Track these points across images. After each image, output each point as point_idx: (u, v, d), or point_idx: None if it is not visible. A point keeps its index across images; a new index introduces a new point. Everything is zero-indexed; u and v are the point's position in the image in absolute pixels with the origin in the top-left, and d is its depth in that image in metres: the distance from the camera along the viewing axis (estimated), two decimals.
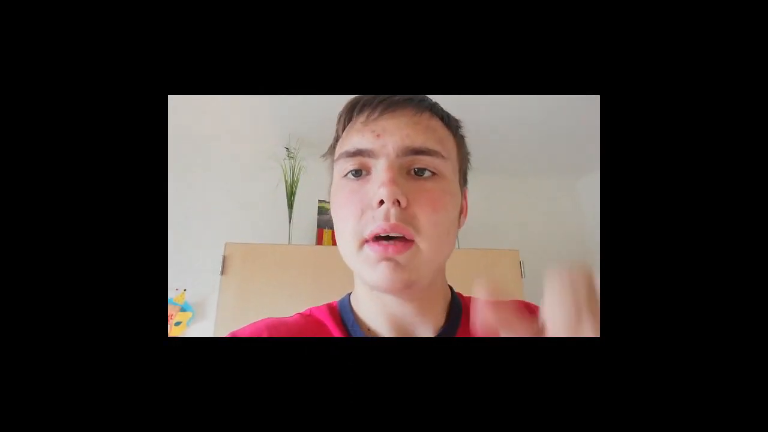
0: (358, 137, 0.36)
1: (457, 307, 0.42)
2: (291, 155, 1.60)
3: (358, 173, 0.36)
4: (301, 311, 0.43)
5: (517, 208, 2.04)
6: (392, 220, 0.32)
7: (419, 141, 0.35)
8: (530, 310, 0.45)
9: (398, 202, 0.33)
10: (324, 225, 1.58)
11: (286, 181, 1.56)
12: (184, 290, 1.52)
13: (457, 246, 1.64)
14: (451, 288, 0.44)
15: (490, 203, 1.99)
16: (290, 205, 1.54)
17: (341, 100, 0.40)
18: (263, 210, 1.70)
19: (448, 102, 0.42)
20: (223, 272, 1.20)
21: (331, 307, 0.42)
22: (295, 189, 1.56)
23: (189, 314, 1.50)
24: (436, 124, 0.38)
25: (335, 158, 0.38)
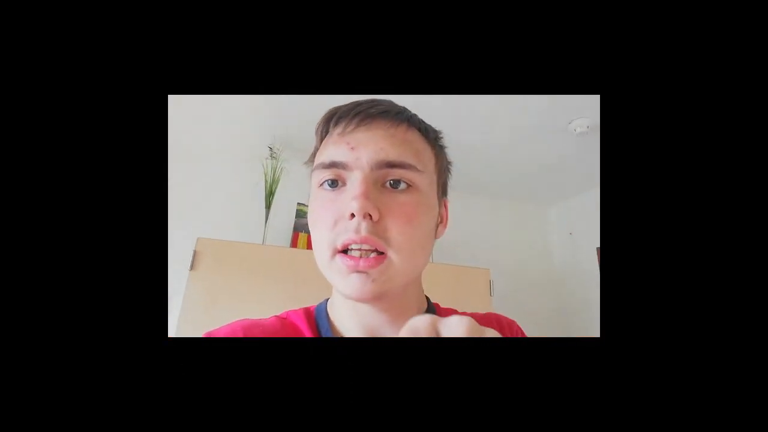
0: (333, 149, 0.36)
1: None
2: (274, 155, 1.58)
3: (333, 184, 0.36)
4: (266, 315, 0.43)
5: (492, 230, 2.10)
6: (363, 233, 0.33)
7: (394, 154, 0.35)
8: (500, 324, 0.47)
9: (369, 215, 0.33)
10: (300, 228, 1.57)
11: (266, 181, 1.54)
12: None
13: (431, 260, 1.66)
14: (427, 298, 0.45)
15: (468, 222, 2.04)
16: (268, 206, 1.51)
17: (329, 105, 0.41)
18: (240, 209, 1.67)
19: (439, 127, 0.44)
20: (192, 267, 1.17)
21: (307, 312, 0.43)
22: (275, 189, 1.54)
23: None
24: (413, 136, 0.38)
25: (313, 168, 0.39)
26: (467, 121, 1.55)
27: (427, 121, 0.42)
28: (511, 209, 2.21)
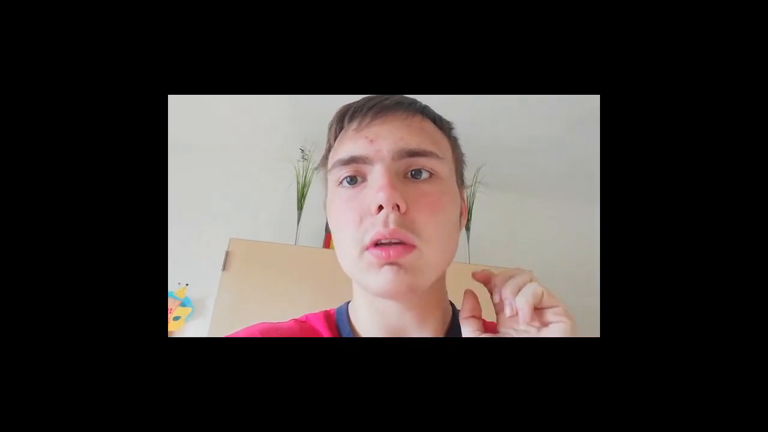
0: (351, 144, 0.35)
1: (458, 322, 0.39)
2: (305, 157, 1.59)
3: (353, 180, 0.35)
4: (297, 316, 0.42)
5: (535, 229, 1.98)
6: (391, 226, 0.32)
7: (414, 143, 0.34)
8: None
9: (397, 206, 0.32)
10: None
11: (298, 183, 1.55)
12: (186, 285, 1.50)
13: (468, 262, 1.59)
14: (452, 304, 0.43)
15: (508, 221, 1.93)
16: (300, 207, 1.52)
17: None
18: (273, 210, 1.68)
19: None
20: (224, 268, 1.18)
21: (327, 315, 0.42)
22: (307, 191, 1.55)
23: (188, 310, 1.47)
24: (429, 125, 0.38)
25: (329, 168, 0.38)
26: (508, 118, 1.46)
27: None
28: (556, 207, 2.06)
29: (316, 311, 0.43)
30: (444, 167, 0.36)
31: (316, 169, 0.42)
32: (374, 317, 0.38)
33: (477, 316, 0.35)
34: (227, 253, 1.20)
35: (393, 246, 0.32)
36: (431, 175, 0.35)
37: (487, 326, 0.39)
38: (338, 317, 0.41)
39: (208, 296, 1.48)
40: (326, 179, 0.39)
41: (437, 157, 0.35)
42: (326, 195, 0.39)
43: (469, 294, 0.35)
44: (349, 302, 0.42)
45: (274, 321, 0.42)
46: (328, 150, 0.39)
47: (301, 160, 1.59)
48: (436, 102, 0.41)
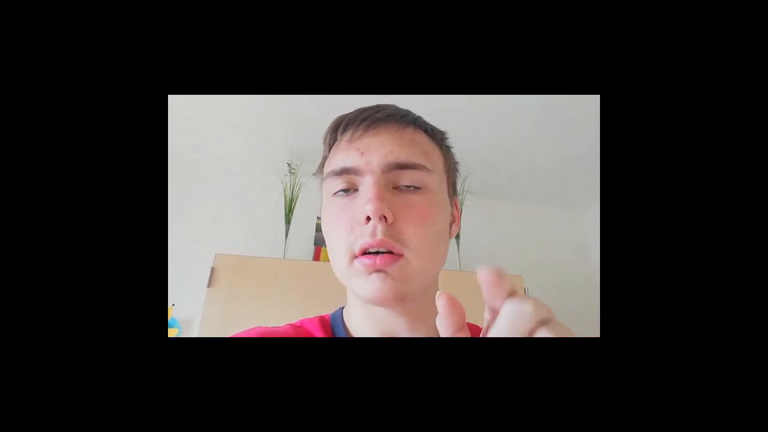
0: (343, 155, 0.36)
1: None
2: (292, 171, 1.58)
3: (345, 190, 0.36)
4: (292, 321, 0.42)
5: (524, 235, 1.99)
6: (379, 236, 0.33)
7: (403, 156, 0.35)
8: None
9: (384, 217, 0.33)
10: (321, 242, 1.54)
11: (285, 197, 1.53)
12: (172, 305, 1.45)
13: (459, 269, 1.59)
14: None
15: (497, 228, 1.94)
16: (288, 221, 1.50)
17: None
18: (261, 225, 1.66)
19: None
20: (210, 284, 1.14)
21: (322, 320, 0.42)
22: (294, 205, 1.53)
23: (175, 330, 1.43)
24: (420, 137, 0.38)
25: (323, 178, 0.39)
26: (493, 121, 1.48)
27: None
28: (545, 213, 2.08)
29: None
30: (434, 179, 0.37)
31: (314, 175, 0.42)
32: (368, 322, 0.38)
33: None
34: (213, 270, 1.17)
35: (381, 255, 0.33)
36: (420, 187, 0.36)
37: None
38: (333, 321, 0.42)
39: (194, 316, 1.44)
40: (322, 188, 0.40)
41: (426, 169, 0.36)
42: (322, 203, 0.40)
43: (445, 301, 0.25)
44: (343, 307, 0.43)
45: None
46: (324, 159, 0.40)
47: (288, 174, 1.58)
48: (425, 110, 0.41)
